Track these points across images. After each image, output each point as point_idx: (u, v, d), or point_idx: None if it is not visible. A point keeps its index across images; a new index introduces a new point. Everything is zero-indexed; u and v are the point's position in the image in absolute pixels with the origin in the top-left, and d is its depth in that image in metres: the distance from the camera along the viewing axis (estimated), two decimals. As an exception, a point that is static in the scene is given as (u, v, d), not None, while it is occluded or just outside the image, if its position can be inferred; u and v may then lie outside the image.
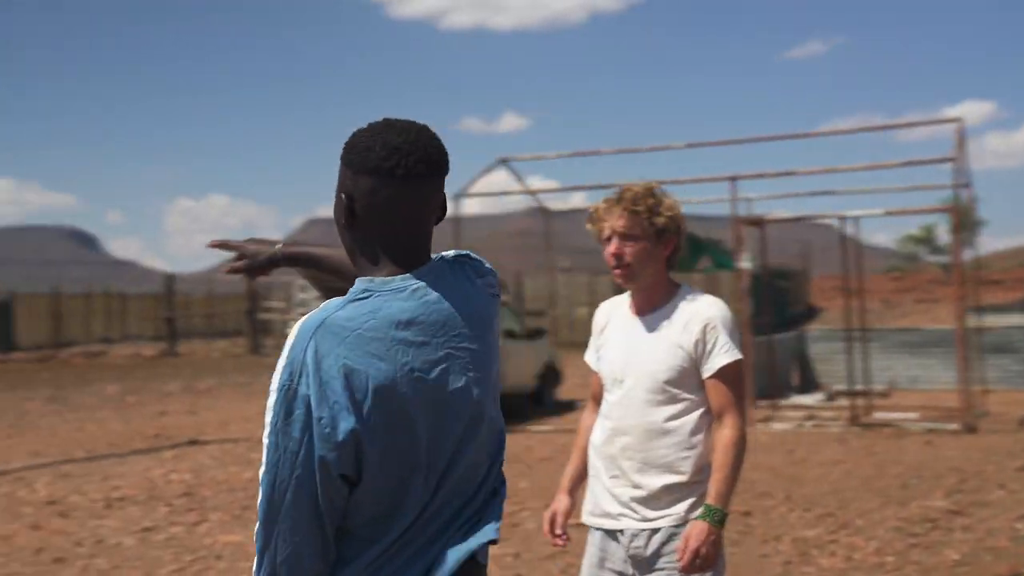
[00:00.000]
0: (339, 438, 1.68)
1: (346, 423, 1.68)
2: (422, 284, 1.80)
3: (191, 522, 7.54)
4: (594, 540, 3.05)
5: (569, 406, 14.67)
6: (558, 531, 3.10)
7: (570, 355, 24.81)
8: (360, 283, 1.79)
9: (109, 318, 34.08)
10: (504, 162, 13.68)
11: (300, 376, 1.69)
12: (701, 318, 2.96)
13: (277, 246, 2.26)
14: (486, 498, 1.88)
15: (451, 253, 1.95)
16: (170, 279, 30.82)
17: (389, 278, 1.79)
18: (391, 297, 1.76)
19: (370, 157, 1.79)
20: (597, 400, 3.20)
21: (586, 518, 3.07)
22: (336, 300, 1.77)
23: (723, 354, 2.94)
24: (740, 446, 2.91)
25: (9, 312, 30.91)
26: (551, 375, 14.86)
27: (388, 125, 1.83)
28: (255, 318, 27.48)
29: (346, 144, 1.84)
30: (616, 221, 2.94)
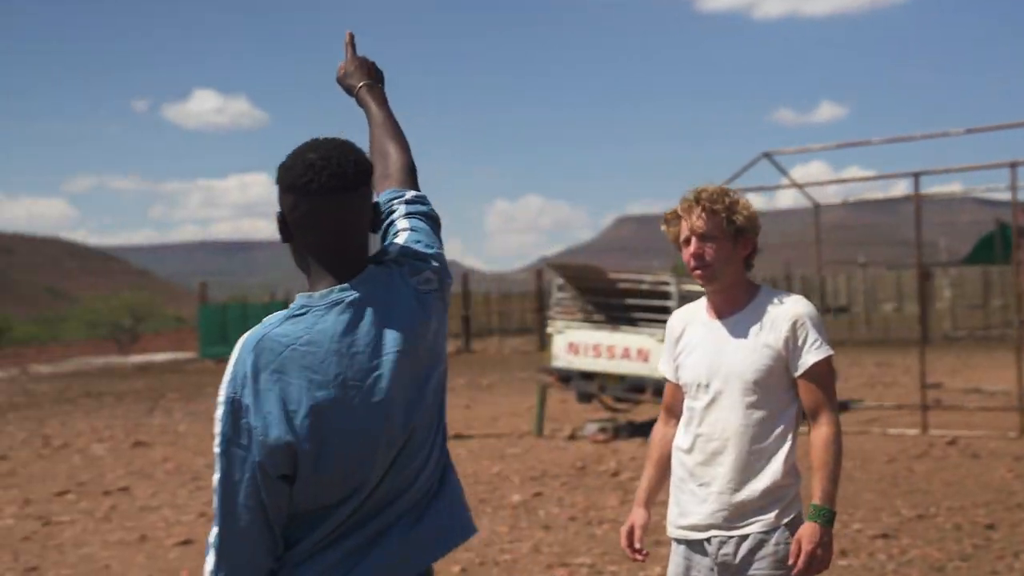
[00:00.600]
0: (271, 444, 1.83)
1: (277, 431, 1.83)
2: (357, 295, 1.91)
3: (429, 512, 8.01)
4: (678, 550, 3.03)
5: (842, 407, 14.08)
6: (637, 545, 3.09)
7: (864, 354, 23.74)
8: (299, 299, 1.93)
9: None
10: (768, 156, 13.36)
11: (242, 388, 1.85)
12: (788, 316, 2.91)
13: (363, 83, 2.34)
14: (426, 493, 1.98)
15: (394, 250, 2.03)
16: (465, 278, 32.44)
17: (327, 291, 1.91)
18: (326, 312, 1.89)
19: (289, 174, 1.93)
20: (671, 410, 3.18)
21: (671, 530, 3.05)
22: (278, 315, 1.92)
23: (814, 351, 2.89)
24: (838, 443, 2.89)
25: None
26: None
27: (311, 144, 1.96)
28: (544, 316, 28.36)
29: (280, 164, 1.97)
30: (695, 221, 2.93)
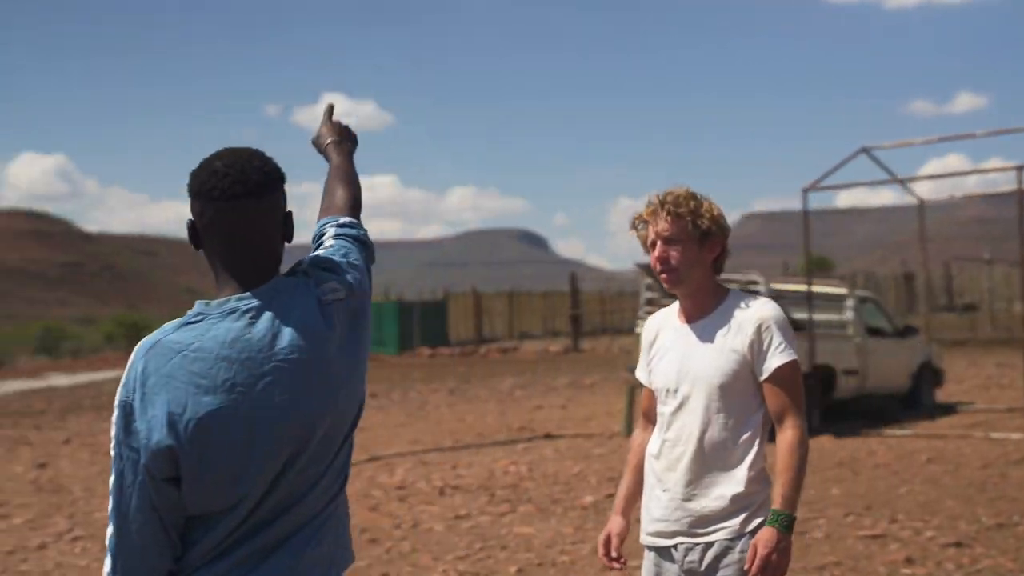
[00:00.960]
0: (153, 448, 1.88)
1: (159, 435, 1.87)
2: (256, 303, 1.94)
3: (500, 512, 8.05)
4: (649, 556, 3.01)
5: (949, 409, 13.60)
6: (613, 554, 3.08)
7: (986, 355, 22.80)
8: (197, 306, 1.97)
9: (530, 315, 36.52)
10: (866, 151, 13.00)
11: (133, 393, 1.91)
12: (754, 319, 2.88)
13: (330, 140, 2.50)
14: (322, 508, 2.00)
15: (306, 262, 2.08)
16: (572, 277, 32.48)
17: (225, 299, 1.95)
18: (221, 319, 1.93)
19: (196, 181, 1.98)
20: (648, 416, 3.15)
21: (642, 537, 3.03)
22: (173, 322, 1.96)
23: (779, 354, 2.85)
24: (803, 448, 2.83)
25: (444, 311, 34.13)
26: (929, 375, 13.82)
27: (220, 152, 2.01)
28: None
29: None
30: (660, 225, 2.92)
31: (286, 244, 2.10)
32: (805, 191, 12.38)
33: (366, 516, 8.13)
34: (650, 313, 13.21)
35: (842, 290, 13.48)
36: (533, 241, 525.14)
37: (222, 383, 1.90)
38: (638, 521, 3.18)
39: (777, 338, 2.86)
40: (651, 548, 3.01)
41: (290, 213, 2.07)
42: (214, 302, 1.98)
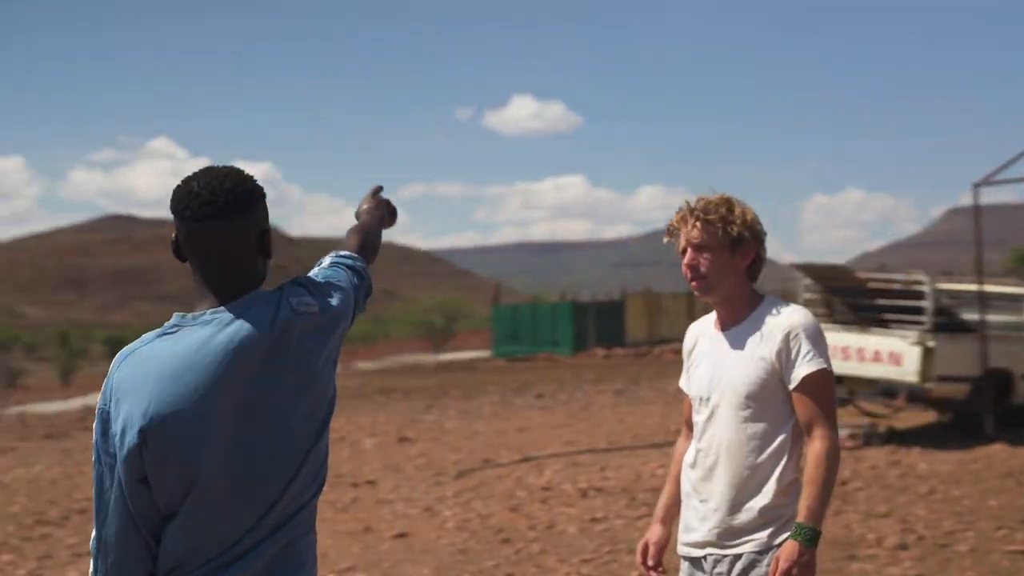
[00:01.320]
0: (125, 451, 1.99)
1: (129, 437, 1.99)
2: (229, 316, 2.04)
3: (635, 515, 8.01)
4: (683, 567, 2.99)
5: None
6: (651, 562, 3.07)
7: None
8: (174, 318, 2.08)
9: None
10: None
11: (110, 400, 2.04)
12: (783, 327, 2.82)
13: (366, 207, 2.67)
14: (294, 511, 2.06)
15: (288, 280, 2.17)
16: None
17: (201, 312, 2.06)
18: (196, 330, 2.04)
19: (173, 201, 2.09)
20: (690, 424, 3.11)
21: (678, 547, 3.02)
22: (151, 332, 2.09)
23: (807, 363, 2.79)
24: (832, 459, 2.75)
25: (620, 311, 34.03)
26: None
27: (200, 171, 2.12)
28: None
29: None
30: (691, 232, 2.89)
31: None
32: (976, 187, 11.74)
33: (505, 516, 8.25)
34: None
35: (1020, 290, 12.70)
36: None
37: (185, 387, 2.00)
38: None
39: (806, 346, 2.80)
40: (685, 558, 3.00)
41: (267, 230, 2.15)
42: (190, 315, 2.08)
